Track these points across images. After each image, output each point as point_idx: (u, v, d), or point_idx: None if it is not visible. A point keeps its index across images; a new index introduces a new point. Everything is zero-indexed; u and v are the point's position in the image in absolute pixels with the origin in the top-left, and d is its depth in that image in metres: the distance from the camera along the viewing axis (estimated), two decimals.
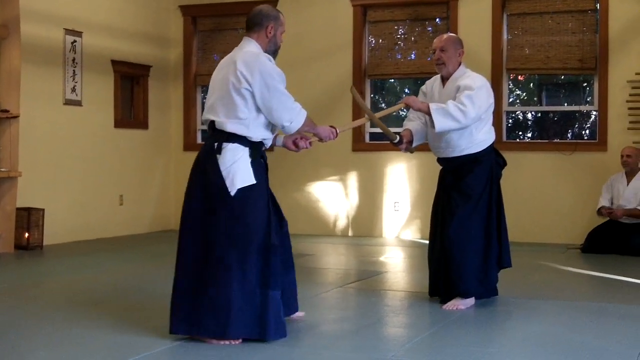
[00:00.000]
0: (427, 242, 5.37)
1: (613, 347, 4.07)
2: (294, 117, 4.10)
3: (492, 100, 5.09)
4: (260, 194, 4.09)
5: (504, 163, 5.32)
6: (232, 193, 4.00)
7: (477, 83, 4.99)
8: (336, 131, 4.45)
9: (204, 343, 4.06)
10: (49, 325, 4.52)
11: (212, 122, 4.12)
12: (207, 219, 4.05)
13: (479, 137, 5.11)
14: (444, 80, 5.17)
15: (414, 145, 5.27)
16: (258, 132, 4.10)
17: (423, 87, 5.37)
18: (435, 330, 4.44)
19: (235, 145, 4.05)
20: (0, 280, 6.19)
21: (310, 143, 4.45)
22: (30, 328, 4.48)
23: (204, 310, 4.00)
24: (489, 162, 5.17)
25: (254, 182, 4.05)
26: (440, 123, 4.85)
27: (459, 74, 5.09)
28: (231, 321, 3.97)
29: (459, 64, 5.12)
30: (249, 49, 4.13)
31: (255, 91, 4.02)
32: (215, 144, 4.06)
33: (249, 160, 4.06)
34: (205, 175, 4.06)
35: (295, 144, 4.43)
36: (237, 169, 4.02)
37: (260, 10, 4.22)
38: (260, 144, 4.16)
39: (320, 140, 4.44)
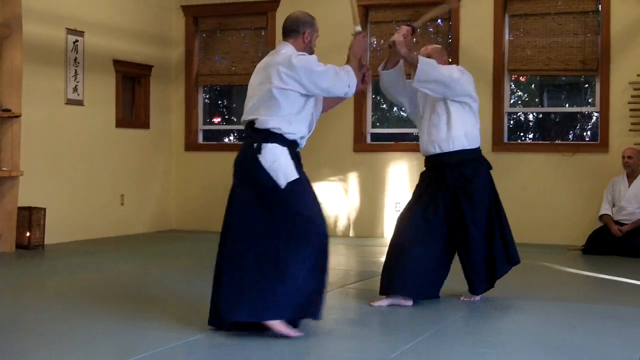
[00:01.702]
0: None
1: (614, 349, 4.07)
2: (349, 80, 4.32)
3: (474, 87, 5.27)
4: (305, 187, 4.27)
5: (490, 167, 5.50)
6: (283, 186, 4.16)
7: (455, 66, 5.32)
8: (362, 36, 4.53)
9: (203, 342, 4.06)
10: (50, 325, 4.52)
11: (251, 123, 4.28)
12: (263, 215, 4.16)
13: (472, 132, 5.24)
14: None
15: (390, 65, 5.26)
16: (300, 128, 4.29)
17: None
18: (435, 331, 4.44)
19: (274, 144, 4.21)
20: (2, 280, 6.19)
21: (368, 71, 4.59)
22: (31, 327, 4.48)
23: (272, 297, 4.08)
24: (487, 165, 5.37)
25: (297, 176, 4.21)
26: (424, 69, 4.98)
27: None
28: (296, 305, 4.12)
29: None
30: (285, 51, 4.33)
31: (306, 84, 4.22)
32: (255, 144, 4.22)
33: (289, 156, 4.23)
34: (252, 174, 4.21)
35: (364, 81, 4.56)
36: (279, 167, 4.18)
37: (297, 17, 4.42)
38: (296, 143, 4.33)
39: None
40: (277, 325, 4.14)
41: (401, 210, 5.40)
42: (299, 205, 4.18)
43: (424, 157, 5.41)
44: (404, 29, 5.13)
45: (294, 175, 4.20)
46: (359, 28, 4.57)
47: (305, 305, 4.16)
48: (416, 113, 5.38)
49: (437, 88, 5.08)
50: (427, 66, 5.01)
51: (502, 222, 5.30)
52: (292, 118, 4.24)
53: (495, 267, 5.25)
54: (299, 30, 4.38)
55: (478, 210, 5.20)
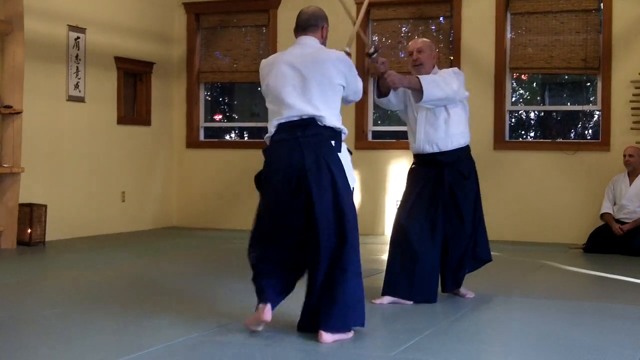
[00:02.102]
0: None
1: (614, 347, 4.07)
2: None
3: (464, 88, 5.27)
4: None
5: None
6: (352, 190, 4.12)
7: (452, 69, 5.27)
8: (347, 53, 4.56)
9: (207, 339, 4.06)
10: (51, 321, 4.52)
11: (312, 119, 4.07)
12: (337, 222, 4.04)
13: (466, 130, 5.31)
14: None
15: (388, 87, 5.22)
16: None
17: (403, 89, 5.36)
18: (437, 329, 4.44)
19: (344, 144, 4.16)
20: (3, 276, 6.20)
21: None
22: (32, 323, 4.48)
23: (343, 304, 4.04)
24: (474, 161, 5.39)
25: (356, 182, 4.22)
26: (428, 91, 4.97)
27: (435, 70, 5.28)
28: (363, 310, 4.17)
29: (434, 66, 5.31)
30: (321, 46, 4.27)
31: (351, 83, 4.21)
32: (332, 142, 4.08)
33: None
34: (333, 174, 4.04)
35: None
36: (351, 168, 4.15)
37: (314, 12, 4.32)
38: None
39: None
40: (339, 335, 4.07)
41: (400, 208, 5.34)
42: (355, 210, 4.15)
43: (413, 154, 5.39)
44: (384, 64, 5.02)
45: (355, 179, 4.20)
46: (348, 49, 4.61)
47: (355, 311, 4.13)
48: (409, 113, 5.34)
49: (439, 103, 5.10)
50: (430, 88, 4.98)
51: (482, 216, 5.37)
52: (339, 116, 4.20)
53: (463, 263, 5.29)
54: (318, 24, 4.29)
55: (470, 205, 5.26)
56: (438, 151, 5.21)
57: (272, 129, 4.16)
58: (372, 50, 4.98)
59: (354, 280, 4.07)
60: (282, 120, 4.11)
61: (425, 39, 5.45)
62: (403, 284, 5.11)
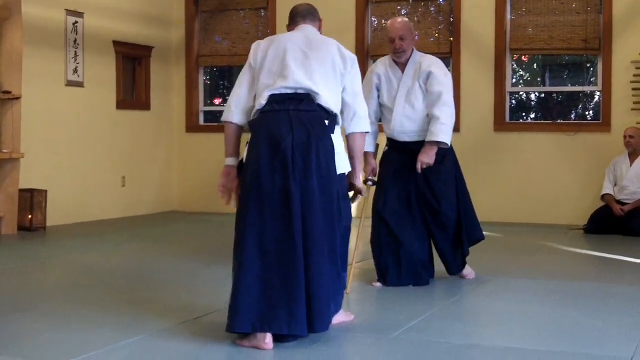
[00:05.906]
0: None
1: (614, 327, 4.08)
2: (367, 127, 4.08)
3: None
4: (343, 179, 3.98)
5: None
6: (338, 172, 3.85)
7: (444, 70, 5.18)
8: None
9: (204, 323, 4.07)
10: (53, 307, 4.53)
11: (308, 95, 3.78)
12: (325, 200, 3.72)
13: None
14: (400, 64, 5.22)
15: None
16: None
17: (375, 74, 5.28)
18: (437, 310, 4.45)
19: (338, 128, 3.93)
20: (4, 262, 6.21)
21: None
22: (33, 309, 4.49)
23: (335, 295, 3.88)
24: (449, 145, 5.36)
25: (350, 169, 4.00)
26: (448, 139, 5.04)
27: (417, 56, 5.21)
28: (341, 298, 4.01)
29: (412, 50, 5.23)
30: (322, 36, 4.05)
31: (354, 75, 3.96)
32: (326, 121, 3.80)
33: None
34: (321, 155, 3.71)
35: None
36: (344, 152, 3.95)
37: (310, 5, 4.14)
38: None
39: None
40: (338, 318, 4.01)
41: (376, 194, 5.30)
42: (343, 193, 3.92)
43: (387, 137, 5.34)
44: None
45: (348, 166, 3.98)
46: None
47: (338, 295, 3.95)
48: (386, 104, 5.26)
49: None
50: (446, 135, 5.03)
51: (466, 197, 5.35)
52: (339, 103, 3.97)
53: (462, 244, 5.28)
54: (315, 15, 4.10)
55: (448, 188, 5.22)
56: (411, 141, 5.19)
57: (262, 101, 3.79)
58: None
59: (333, 266, 3.78)
60: (274, 91, 3.77)
61: (404, 20, 5.28)
62: (392, 273, 5.12)
